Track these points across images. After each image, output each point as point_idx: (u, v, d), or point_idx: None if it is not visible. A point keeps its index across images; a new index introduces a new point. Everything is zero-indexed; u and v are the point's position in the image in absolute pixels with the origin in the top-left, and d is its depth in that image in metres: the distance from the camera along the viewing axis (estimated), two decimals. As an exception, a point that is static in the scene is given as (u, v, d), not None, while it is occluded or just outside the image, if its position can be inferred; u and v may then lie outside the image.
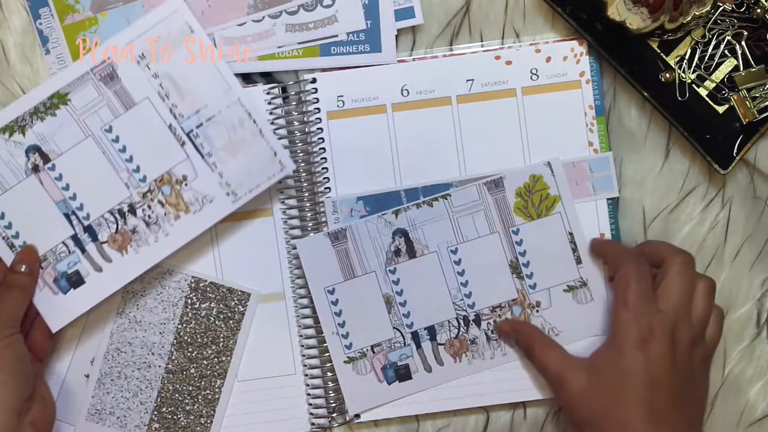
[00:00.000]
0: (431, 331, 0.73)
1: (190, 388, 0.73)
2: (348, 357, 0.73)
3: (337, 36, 0.73)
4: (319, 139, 0.73)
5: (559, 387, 0.68)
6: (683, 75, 0.72)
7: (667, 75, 0.72)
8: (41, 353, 0.70)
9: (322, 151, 0.73)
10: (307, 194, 0.73)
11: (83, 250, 0.70)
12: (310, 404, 0.74)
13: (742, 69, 0.72)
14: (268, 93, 0.73)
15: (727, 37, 0.72)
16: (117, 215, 0.70)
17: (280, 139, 0.73)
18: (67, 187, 0.70)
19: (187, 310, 0.73)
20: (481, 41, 0.75)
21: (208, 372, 0.73)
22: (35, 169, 0.69)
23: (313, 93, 0.73)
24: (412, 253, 0.73)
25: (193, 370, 0.73)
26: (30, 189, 0.69)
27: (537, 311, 0.73)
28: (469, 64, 0.73)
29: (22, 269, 0.68)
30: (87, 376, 0.73)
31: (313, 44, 0.73)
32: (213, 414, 0.73)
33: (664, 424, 0.63)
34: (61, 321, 0.70)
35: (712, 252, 0.75)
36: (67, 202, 0.70)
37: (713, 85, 0.72)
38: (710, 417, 0.75)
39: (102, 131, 0.70)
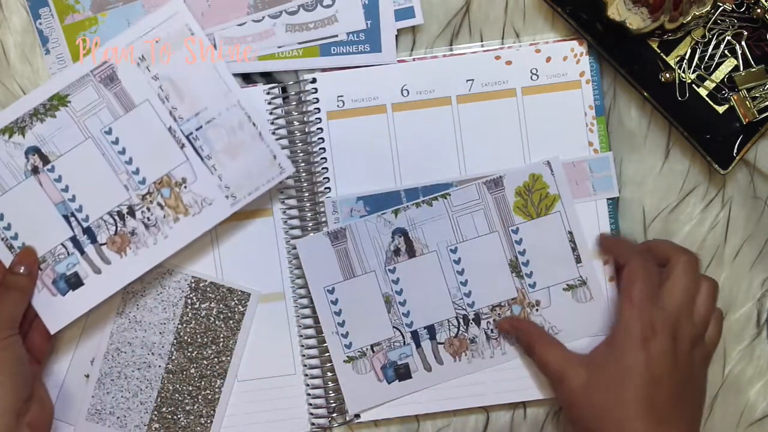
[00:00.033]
0: (431, 330, 0.73)
1: (190, 388, 0.73)
2: (348, 356, 0.73)
3: (337, 36, 0.73)
4: (319, 139, 0.73)
5: (560, 384, 0.68)
6: (683, 75, 0.72)
7: (667, 75, 0.72)
8: (39, 354, 0.70)
9: (322, 151, 0.73)
10: (307, 194, 0.73)
11: (82, 252, 0.70)
12: (310, 404, 0.74)
13: (742, 69, 0.72)
14: (268, 93, 0.73)
15: (727, 37, 0.72)
16: (116, 217, 0.70)
17: (280, 139, 0.73)
18: (66, 189, 0.70)
19: (187, 310, 0.73)
20: (481, 41, 0.74)
21: (208, 372, 0.73)
22: (35, 170, 0.69)
23: (313, 93, 0.73)
24: (411, 253, 0.73)
25: (193, 370, 0.73)
26: (29, 190, 0.69)
27: (536, 310, 0.73)
28: (469, 64, 0.73)
29: (21, 270, 0.68)
30: (87, 376, 0.73)
31: (313, 44, 0.73)
32: (213, 414, 0.73)
33: (663, 424, 0.63)
34: (60, 322, 0.70)
35: (712, 252, 0.75)
36: (66, 203, 0.70)
37: (713, 85, 0.72)
38: (710, 417, 0.75)
39: (102, 133, 0.70)
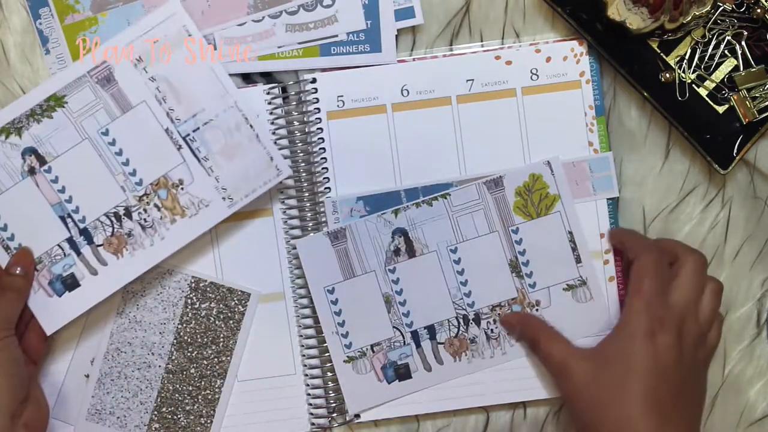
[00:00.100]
0: (431, 330, 0.73)
1: (190, 388, 0.73)
2: (348, 356, 0.73)
3: (337, 36, 0.72)
4: (319, 139, 0.73)
5: (563, 378, 0.68)
6: (683, 75, 0.72)
7: (667, 75, 0.72)
8: (36, 356, 0.70)
9: (322, 151, 0.73)
10: (307, 194, 0.73)
11: (78, 253, 0.70)
12: (310, 404, 0.74)
13: (742, 69, 0.72)
14: (268, 93, 0.73)
15: (727, 37, 0.72)
16: (113, 218, 0.70)
17: (280, 139, 0.73)
18: (63, 190, 0.70)
19: (187, 310, 0.73)
20: (481, 41, 0.74)
21: (208, 372, 0.73)
22: (31, 171, 0.69)
23: (313, 93, 0.73)
24: (411, 253, 0.73)
25: (193, 370, 0.73)
26: (26, 191, 0.69)
27: (536, 310, 0.73)
28: (469, 64, 0.73)
29: (17, 271, 0.68)
30: (87, 376, 0.73)
31: (313, 44, 0.73)
32: (213, 414, 0.73)
33: (665, 424, 0.63)
34: (56, 324, 0.70)
35: (712, 252, 0.75)
36: (62, 204, 0.70)
37: (713, 85, 0.72)
38: (710, 417, 0.75)
39: (98, 134, 0.70)
